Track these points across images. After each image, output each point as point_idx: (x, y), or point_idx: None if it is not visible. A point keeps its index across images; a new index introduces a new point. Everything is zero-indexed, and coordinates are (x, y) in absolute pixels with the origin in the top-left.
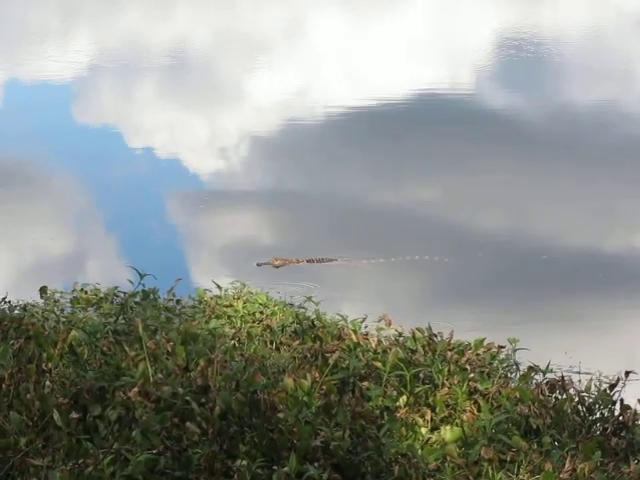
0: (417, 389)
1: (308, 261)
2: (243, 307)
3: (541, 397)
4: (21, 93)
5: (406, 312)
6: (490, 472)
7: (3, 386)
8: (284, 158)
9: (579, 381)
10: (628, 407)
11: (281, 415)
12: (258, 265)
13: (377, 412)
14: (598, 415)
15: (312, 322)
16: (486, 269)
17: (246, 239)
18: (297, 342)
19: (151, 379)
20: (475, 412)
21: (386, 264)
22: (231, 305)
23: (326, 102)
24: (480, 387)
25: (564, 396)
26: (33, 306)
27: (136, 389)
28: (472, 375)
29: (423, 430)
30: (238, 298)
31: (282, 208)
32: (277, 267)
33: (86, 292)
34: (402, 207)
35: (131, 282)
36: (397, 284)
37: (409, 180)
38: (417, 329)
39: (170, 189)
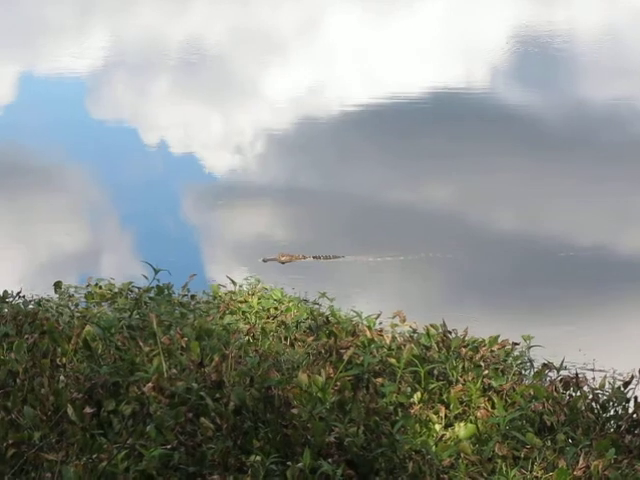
0: (431, 386)
1: (314, 257)
2: (257, 303)
3: (555, 394)
4: (39, 88)
5: (417, 309)
6: (504, 469)
7: (17, 381)
8: (298, 155)
9: (593, 378)
10: None
11: (295, 411)
12: (264, 261)
13: (391, 408)
14: (612, 413)
15: (326, 318)
16: (501, 266)
17: (257, 235)
18: (311, 338)
19: (165, 374)
20: (489, 409)
21: (393, 262)
22: (245, 301)
23: (341, 100)
24: (494, 384)
25: (578, 393)
26: (47, 301)
27: (150, 384)
28: (486, 372)
29: (437, 427)
30: (252, 294)
31: (293, 205)
32: (283, 263)
33: (100, 287)
34: (415, 205)
35: (145, 277)
36: (406, 281)
37: (422, 178)
38: (431, 326)
39: (185, 185)
